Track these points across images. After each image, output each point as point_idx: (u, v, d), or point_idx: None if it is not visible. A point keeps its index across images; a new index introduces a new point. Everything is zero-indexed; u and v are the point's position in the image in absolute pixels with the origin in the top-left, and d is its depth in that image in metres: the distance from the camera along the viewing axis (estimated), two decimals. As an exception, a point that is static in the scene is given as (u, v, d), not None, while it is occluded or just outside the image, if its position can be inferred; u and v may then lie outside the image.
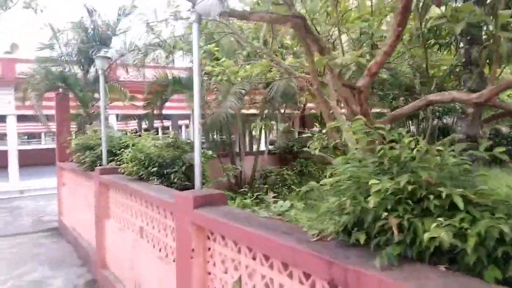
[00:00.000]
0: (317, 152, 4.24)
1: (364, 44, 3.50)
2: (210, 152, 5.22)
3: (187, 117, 25.18)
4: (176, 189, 4.70)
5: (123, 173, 5.67)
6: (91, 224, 7.01)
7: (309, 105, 13.14)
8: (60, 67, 9.32)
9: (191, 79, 10.74)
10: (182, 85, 11.01)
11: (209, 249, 3.13)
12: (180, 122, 28.17)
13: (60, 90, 10.34)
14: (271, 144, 19.06)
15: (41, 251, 8.55)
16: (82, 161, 6.95)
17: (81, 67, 9.63)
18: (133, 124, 25.54)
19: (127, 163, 5.45)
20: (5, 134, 30.18)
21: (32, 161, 24.82)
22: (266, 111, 10.45)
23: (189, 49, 10.70)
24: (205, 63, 7.43)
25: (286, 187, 10.63)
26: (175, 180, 4.88)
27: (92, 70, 9.83)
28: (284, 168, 11.33)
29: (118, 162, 6.54)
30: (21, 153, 18.39)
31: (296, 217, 3.08)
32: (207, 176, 5.20)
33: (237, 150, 11.92)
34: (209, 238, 3.13)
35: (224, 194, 3.33)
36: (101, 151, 6.68)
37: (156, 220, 4.23)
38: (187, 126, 30.60)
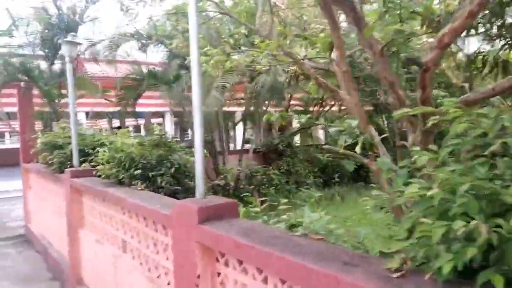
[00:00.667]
0: (341, 150, 3.63)
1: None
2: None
3: (160, 114, 24.18)
4: (165, 195, 4.01)
5: (99, 176, 4.92)
6: (63, 233, 6.19)
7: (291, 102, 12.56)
8: (21, 57, 8.33)
9: (168, 73, 9.96)
10: (158, 79, 10.19)
11: (219, 274, 2.47)
12: (153, 120, 27.08)
13: (22, 84, 9.35)
14: (246, 143, 18.45)
15: (6, 263, 7.62)
16: (50, 161, 6.12)
17: (46, 58, 8.68)
18: (103, 123, 24.32)
19: (103, 164, 4.71)
20: (-36, 134, 28.25)
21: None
22: (251, 108, 9.77)
23: (168, 37, 9.91)
24: (186, 50, 6.68)
25: (273, 187, 10.04)
26: (163, 184, 4.19)
27: (57, 62, 8.89)
28: (270, 168, 10.73)
29: (92, 163, 5.78)
30: (-18, 154, 17.03)
31: (337, 234, 2.45)
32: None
33: (218, 149, 11.21)
34: (218, 260, 2.47)
35: (236, 204, 2.67)
36: (71, 150, 5.87)
37: (144, 234, 3.53)
38: (159, 125, 29.47)
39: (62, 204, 6.37)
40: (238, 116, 14.26)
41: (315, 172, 12.34)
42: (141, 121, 25.11)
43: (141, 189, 4.04)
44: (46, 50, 8.60)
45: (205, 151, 4.68)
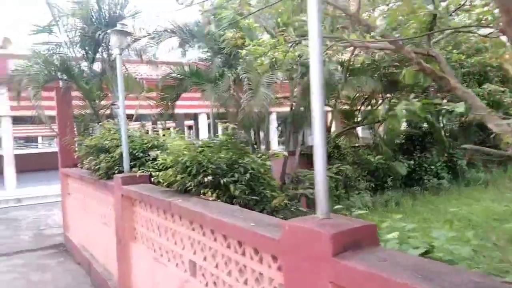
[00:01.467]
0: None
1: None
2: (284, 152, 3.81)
3: (192, 116, 23.73)
4: (240, 206, 3.31)
5: (157, 183, 4.27)
6: (109, 245, 5.59)
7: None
8: (61, 55, 7.86)
9: (212, 71, 9.29)
10: (201, 78, 9.58)
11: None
12: (185, 122, 26.63)
13: (61, 84, 8.90)
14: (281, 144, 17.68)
15: (46, 276, 7.11)
16: (96, 167, 5.53)
17: (85, 55, 8.19)
18: (134, 126, 23.97)
19: (161, 169, 4.05)
20: (-1, 138, 28.68)
21: (29, 166, 23.28)
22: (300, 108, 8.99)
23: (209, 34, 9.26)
24: (241, 42, 5.99)
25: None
26: (236, 193, 3.48)
27: (97, 58, 8.39)
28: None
29: (142, 168, 5.16)
30: (18, 158, 16.90)
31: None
32: (275, 186, 3.80)
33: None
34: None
35: (375, 227, 1.93)
36: (120, 154, 5.27)
37: (225, 257, 2.83)
38: (190, 127, 28.93)
39: (108, 213, 5.80)
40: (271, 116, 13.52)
41: (364, 175, 11.47)
42: (171, 124, 24.68)
43: (213, 200, 3.34)
44: (86, 48, 8.11)
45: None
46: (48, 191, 16.07)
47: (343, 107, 12.14)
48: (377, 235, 1.94)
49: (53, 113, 9.01)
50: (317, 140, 1.95)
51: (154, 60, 9.51)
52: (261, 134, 9.96)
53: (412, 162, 12.23)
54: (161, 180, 3.86)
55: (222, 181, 3.48)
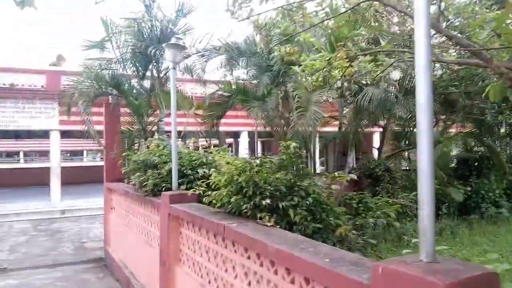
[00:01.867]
0: None
1: None
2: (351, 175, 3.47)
3: (233, 134, 23.70)
4: (301, 234, 2.96)
5: (207, 203, 4.00)
6: (152, 266, 5.36)
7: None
8: (111, 71, 7.91)
9: (259, 89, 9.06)
10: (248, 95, 9.39)
11: None
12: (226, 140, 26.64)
13: (110, 99, 8.97)
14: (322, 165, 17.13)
15: (85, 293, 6.98)
16: (143, 183, 5.35)
17: (136, 71, 8.21)
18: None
19: (214, 189, 3.78)
20: (47, 151, 29.73)
21: (74, 179, 23.89)
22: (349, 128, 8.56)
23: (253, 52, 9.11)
24: (296, 57, 5.72)
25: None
26: (297, 220, 3.14)
27: (147, 75, 8.40)
28: (366, 194, 9.41)
29: (191, 186, 4.93)
30: (63, 171, 17.31)
31: None
32: (339, 213, 3.42)
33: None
34: None
35: (498, 277, 1.53)
36: (168, 171, 5.07)
37: (289, 294, 2.48)
38: (229, 145, 28.93)
39: (152, 232, 5.58)
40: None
41: (416, 201, 10.73)
42: (214, 141, 24.72)
43: (272, 225, 3.01)
44: (137, 64, 8.13)
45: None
46: (91, 204, 16.30)
47: (394, 128, 11.57)
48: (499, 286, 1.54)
49: (101, 127, 9.09)
50: (423, 163, 1.60)
51: (201, 78, 9.43)
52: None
53: (468, 188, 11.39)
54: (214, 201, 3.58)
55: (280, 205, 3.16)
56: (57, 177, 16.73)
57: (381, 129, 10.91)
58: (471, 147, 12.81)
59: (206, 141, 8.91)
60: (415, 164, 13.16)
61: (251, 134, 21.47)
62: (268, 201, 3.09)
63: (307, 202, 3.20)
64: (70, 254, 9.85)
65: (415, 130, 10.71)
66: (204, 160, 5.28)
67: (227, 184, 3.45)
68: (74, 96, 7.32)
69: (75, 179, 24.12)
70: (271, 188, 3.23)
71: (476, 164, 12.19)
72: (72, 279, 7.79)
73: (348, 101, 8.87)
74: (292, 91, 7.72)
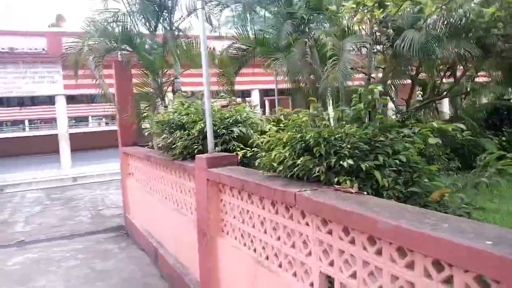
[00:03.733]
0: None
1: None
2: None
3: (241, 94, 22.86)
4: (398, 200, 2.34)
5: (250, 166, 3.39)
6: (185, 236, 4.84)
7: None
8: (121, 24, 7.09)
9: (281, 38, 8.21)
10: (269, 47, 8.58)
11: None
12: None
13: (119, 57, 8.20)
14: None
15: (108, 265, 6.52)
16: (172, 146, 4.72)
17: (147, 23, 7.39)
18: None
19: (268, 149, 3.14)
20: (52, 118, 29.13)
21: (82, 145, 23.42)
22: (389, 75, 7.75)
23: None
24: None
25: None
26: (385, 184, 2.51)
27: (160, 27, 7.57)
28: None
29: (225, 147, 4.32)
30: (70, 137, 16.75)
31: None
32: (433, 173, 2.78)
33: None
34: None
35: None
36: (199, 131, 4.43)
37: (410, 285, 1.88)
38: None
39: (183, 199, 5.02)
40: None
41: (447, 153, 10.09)
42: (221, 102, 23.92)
43: (357, 192, 2.39)
44: (147, 15, 7.29)
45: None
46: (102, 170, 15.87)
47: (421, 78, 10.72)
48: None
49: (111, 90, 8.37)
50: None
51: (217, 29, 8.57)
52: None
53: (502, 138, 10.68)
54: (269, 163, 2.93)
55: (363, 166, 2.52)
56: (66, 144, 16.19)
57: (409, 80, 10.07)
58: (501, 94, 12.01)
59: (228, 101, 8.22)
60: (442, 115, 12.43)
61: (261, 93, 20.66)
62: (350, 161, 2.45)
63: (396, 162, 2.56)
64: (88, 223, 9.44)
65: (444, 80, 9.84)
66: (239, 118, 4.63)
67: (285, 144, 2.81)
68: (82, 53, 6.54)
69: (82, 145, 23.65)
70: (348, 146, 2.58)
71: (507, 113, 11.45)
72: (93, 250, 7.36)
73: (381, 50, 8.01)
74: (322, 38, 6.90)
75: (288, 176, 2.83)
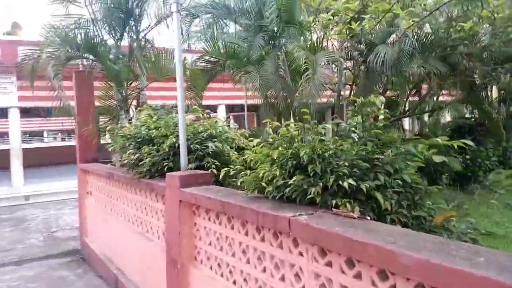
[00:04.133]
0: None
1: None
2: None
3: (206, 108, 22.35)
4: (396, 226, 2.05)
5: (233, 186, 3.03)
6: (153, 265, 4.37)
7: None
8: (84, 30, 6.58)
9: (252, 51, 7.93)
10: (240, 60, 8.29)
11: None
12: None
13: (81, 66, 7.67)
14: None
15: (64, 294, 5.89)
16: (138, 162, 4.27)
17: (112, 32, 6.92)
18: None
19: (249, 168, 2.80)
20: (3, 132, 27.43)
21: (35, 161, 22.07)
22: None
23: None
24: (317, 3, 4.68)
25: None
26: (387, 207, 2.22)
27: (125, 37, 7.13)
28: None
29: (198, 164, 3.95)
30: (23, 153, 15.69)
31: None
32: (434, 195, 2.53)
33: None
34: None
35: None
36: (170, 146, 4.02)
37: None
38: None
39: (150, 222, 4.56)
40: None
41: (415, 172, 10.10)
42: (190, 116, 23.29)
43: (360, 217, 2.09)
44: (113, 22, 6.84)
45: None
46: (57, 188, 14.91)
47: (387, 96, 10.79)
48: None
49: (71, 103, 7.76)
50: None
51: (186, 40, 8.24)
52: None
53: (466, 156, 10.82)
54: (262, 183, 2.57)
55: (363, 187, 2.22)
56: (18, 160, 15.12)
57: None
58: (464, 114, 12.30)
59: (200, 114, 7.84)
60: (405, 133, 12.50)
61: (227, 108, 20.35)
62: (350, 181, 2.15)
63: (398, 182, 2.28)
64: (40, 247, 8.65)
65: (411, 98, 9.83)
66: (214, 132, 4.27)
67: (273, 161, 2.48)
68: (40, 60, 5.97)
69: (36, 161, 22.32)
70: (346, 164, 2.28)
71: (469, 131, 11.70)
72: (46, 277, 6.66)
73: (352, 65, 7.92)
74: (294, 53, 6.69)
75: (277, 197, 2.50)
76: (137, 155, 4.24)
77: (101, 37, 6.77)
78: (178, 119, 3.69)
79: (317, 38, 7.05)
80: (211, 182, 3.61)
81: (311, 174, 2.30)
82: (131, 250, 5.18)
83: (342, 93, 8.34)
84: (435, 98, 12.11)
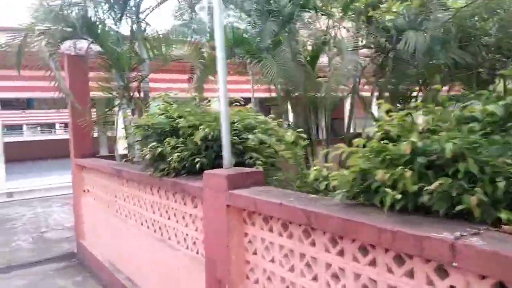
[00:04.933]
0: None
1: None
2: None
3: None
4: None
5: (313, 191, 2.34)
6: (182, 281, 3.65)
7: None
8: (81, 7, 5.72)
9: (263, 38, 7.15)
10: (250, 45, 7.53)
11: None
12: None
13: (73, 50, 6.80)
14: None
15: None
16: (157, 158, 3.52)
17: (111, 13, 6.09)
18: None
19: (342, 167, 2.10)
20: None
21: (15, 156, 20.88)
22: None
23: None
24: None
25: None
26: None
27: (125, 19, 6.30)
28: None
29: (239, 159, 3.25)
30: (6, 147, 14.68)
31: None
32: None
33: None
34: None
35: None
36: (203, 139, 3.29)
37: None
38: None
39: (175, 228, 3.82)
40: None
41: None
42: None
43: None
44: (112, 1, 6.01)
45: None
46: (42, 184, 13.96)
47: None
48: None
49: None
50: None
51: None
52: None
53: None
54: (387, 190, 1.87)
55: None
56: (0, 155, 14.08)
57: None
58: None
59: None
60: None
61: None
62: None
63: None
64: (30, 250, 7.82)
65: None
66: (253, 122, 3.55)
67: (398, 159, 1.79)
68: (28, 38, 5.09)
69: (17, 156, 21.17)
70: (509, 161, 1.61)
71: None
72: (41, 287, 5.87)
73: (373, 54, 7.23)
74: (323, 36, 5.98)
75: (410, 208, 1.80)
76: (159, 149, 3.48)
77: (99, 17, 5.93)
78: (220, 107, 2.96)
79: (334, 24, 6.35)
80: (262, 182, 2.91)
81: (460, 177, 1.62)
82: (146, 258, 4.44)
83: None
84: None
